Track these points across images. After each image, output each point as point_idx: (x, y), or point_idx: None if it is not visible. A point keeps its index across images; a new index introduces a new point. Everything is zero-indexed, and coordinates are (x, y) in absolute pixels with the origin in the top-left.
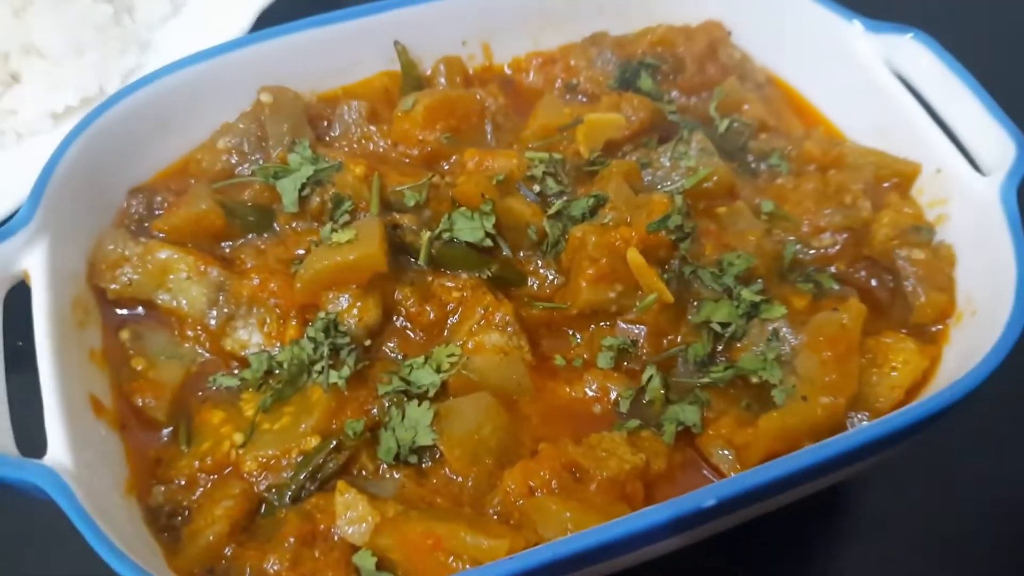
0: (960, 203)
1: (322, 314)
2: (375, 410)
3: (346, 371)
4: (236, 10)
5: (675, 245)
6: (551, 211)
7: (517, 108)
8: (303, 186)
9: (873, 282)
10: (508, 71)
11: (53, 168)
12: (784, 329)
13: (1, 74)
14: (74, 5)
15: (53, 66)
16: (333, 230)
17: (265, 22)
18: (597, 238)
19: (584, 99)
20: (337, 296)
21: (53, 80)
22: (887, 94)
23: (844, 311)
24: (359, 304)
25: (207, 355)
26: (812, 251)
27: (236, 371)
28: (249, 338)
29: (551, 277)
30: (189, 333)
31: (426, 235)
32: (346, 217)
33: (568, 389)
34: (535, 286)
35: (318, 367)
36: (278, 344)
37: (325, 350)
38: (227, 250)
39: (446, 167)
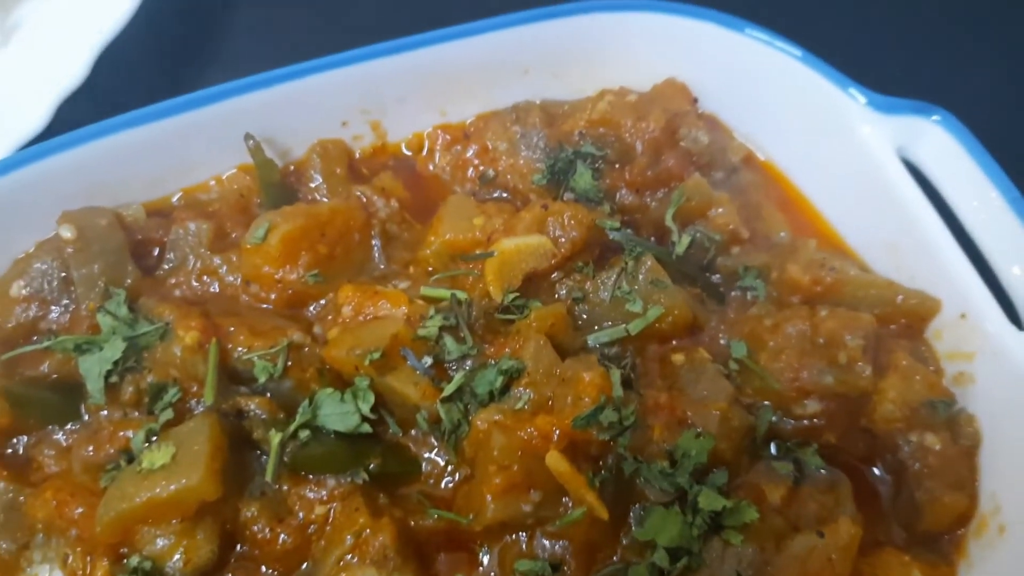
0: (990, 363)
1: (135, 559)
2: None
3: None
4: (75, 43)
5: (611, 441)
6: (447, 392)
7: (417, 206)
8: (110, 371)
9: (875, 470)
10: (407, 151)
11: None
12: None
13: None
14: None
15: None
16: (148, 441)
17: (109, 59)
18: (506, 439)
19: (504, 195)
20: (155, 534)
21: None
22: (898, 196)
23: (832, 538)
24: (185, 543)
25: None
26: (794, 421)
27: None
28: None
29: (451, 467)
30: None
31: (276, 438)
32: (168, 413)
33: None
34: (431, 479)
35: None
36: None
37: None
38: (22, 448)
39: (316, 309)
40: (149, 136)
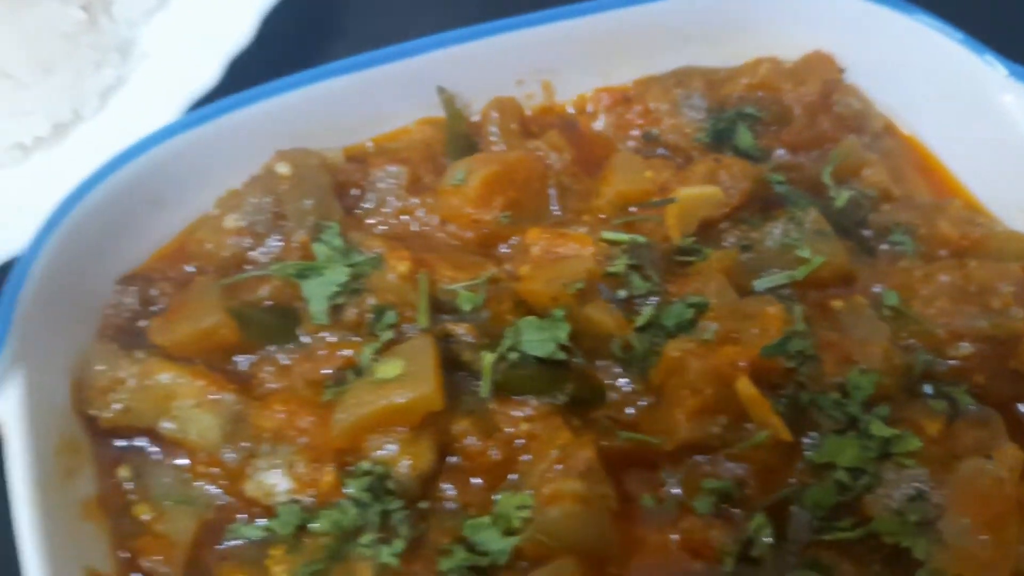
0: None
1: (366, 464)
2: None
3: (400, 544)
4: (240, 5)
5: (793, 370)
6: (640, 322)
7: (582, 161)
8: (336, 294)
9: (1020, 407)
10: (571, 110)
11: (22, 282)
12: (928, 490)
13: None
14: (33, 11)
15: (16, 88)
16: (375, 356)
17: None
18: (700, 363)
19: (667, 153)
20: (383, 441)
21: (18, 105)
22: None
23: (999, 460)
24: (411, 450)
25: (226, 497)
26: (948, 362)
27: (261, 520)
28: (276, 484)
29: (637, 395)
30: (202, 469)
31: (488, 358)
32: (389, 334)
33: (659, 540)
34: (616, 406)
35: (366, 540)
36: (313, 493)
37: (375, 517)
38: (243, 366)
39: (505, 250)
40: (345, 86)
